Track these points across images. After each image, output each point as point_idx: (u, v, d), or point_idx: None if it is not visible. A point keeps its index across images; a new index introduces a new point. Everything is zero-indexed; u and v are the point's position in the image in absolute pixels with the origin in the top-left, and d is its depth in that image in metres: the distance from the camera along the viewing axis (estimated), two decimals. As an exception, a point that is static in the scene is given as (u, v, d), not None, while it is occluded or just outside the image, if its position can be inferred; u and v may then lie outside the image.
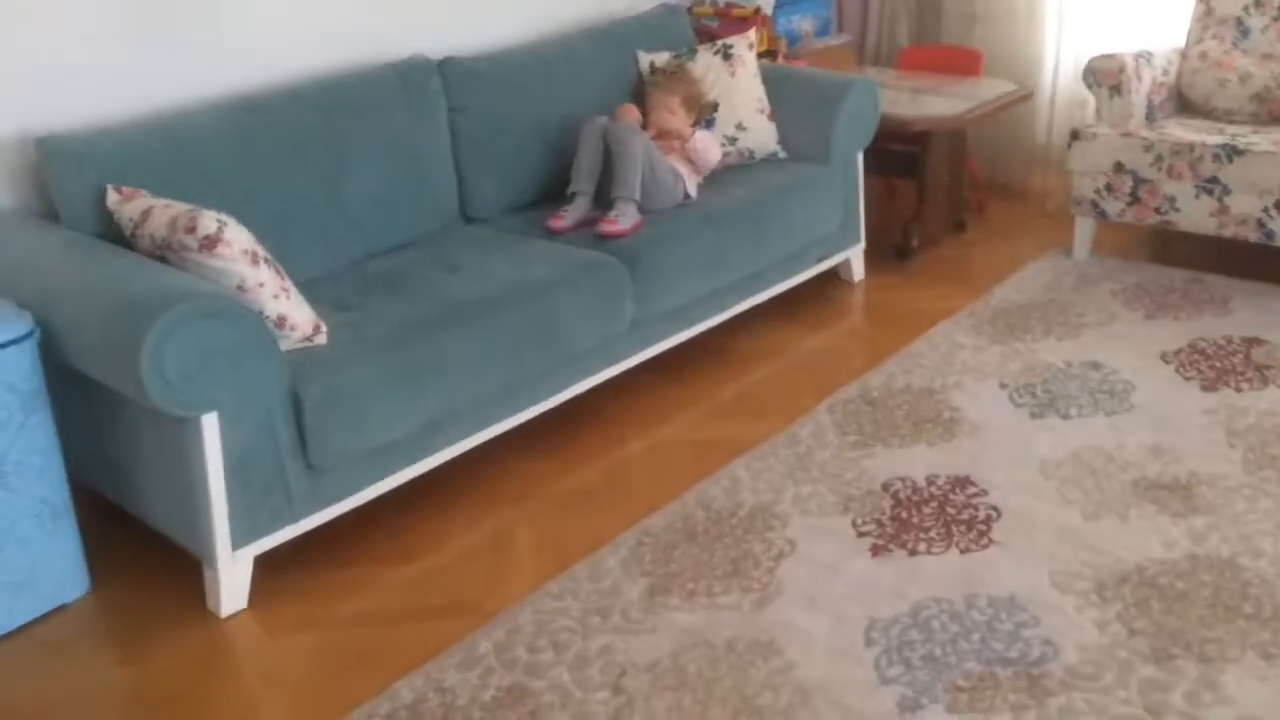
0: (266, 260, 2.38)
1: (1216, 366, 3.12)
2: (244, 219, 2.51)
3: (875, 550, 2.42)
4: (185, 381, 2.12)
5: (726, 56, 3.65)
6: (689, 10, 4.15)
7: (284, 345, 2.38)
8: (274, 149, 2.83)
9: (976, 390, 3.08)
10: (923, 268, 4.00)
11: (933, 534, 2.47)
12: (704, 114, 3.53)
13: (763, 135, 3.62)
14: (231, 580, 2.31)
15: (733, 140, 3.59)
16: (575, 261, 2.92)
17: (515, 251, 2.99)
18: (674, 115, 3.40)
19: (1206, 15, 3.95)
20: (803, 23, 4.39)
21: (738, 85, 3.62)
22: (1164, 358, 3.20)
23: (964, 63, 4.36)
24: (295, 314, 2.41)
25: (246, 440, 2.26)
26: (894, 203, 4.43)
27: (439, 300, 2.69)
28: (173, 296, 2.12)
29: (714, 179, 3.48)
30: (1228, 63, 3.81)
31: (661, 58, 3.67)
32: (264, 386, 2.26)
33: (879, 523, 2.52)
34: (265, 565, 2.38)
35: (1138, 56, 3.83)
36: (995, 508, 2.55)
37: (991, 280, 3.81)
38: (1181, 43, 4.03)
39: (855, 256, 3.85)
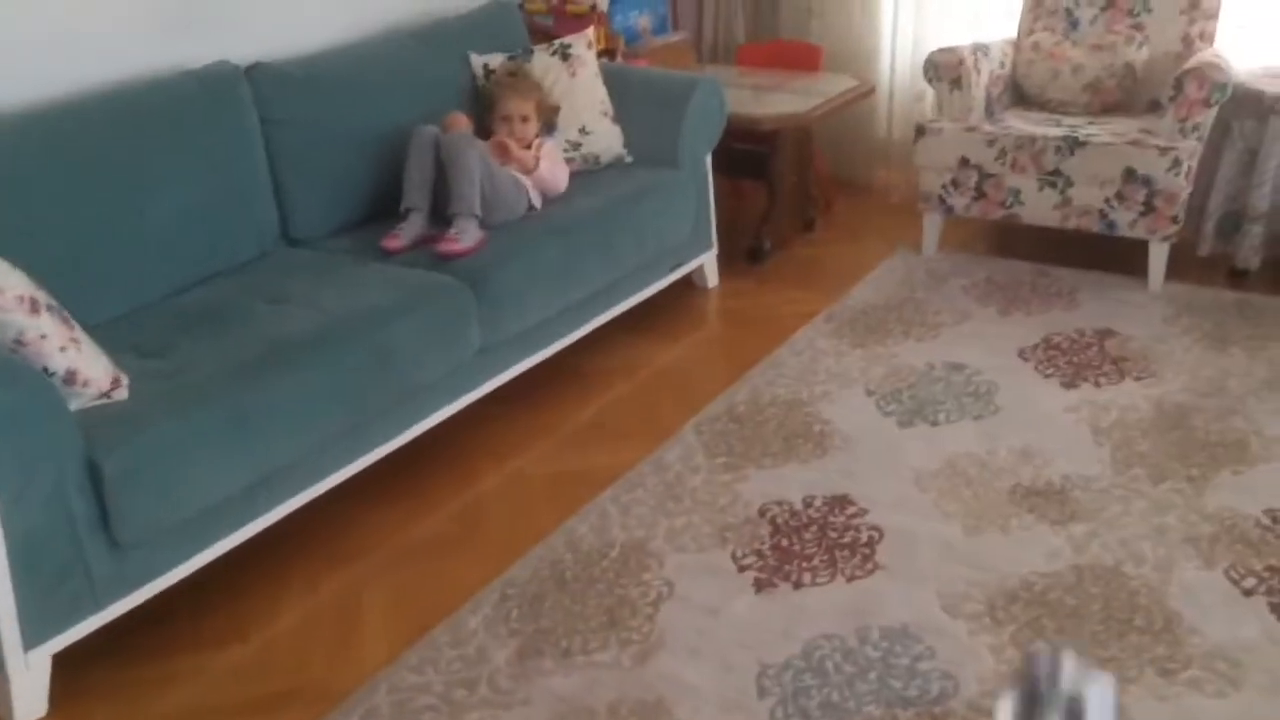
0: (50, 307, 2.04)
1: (1074, 361, 3.11)
2: (24, 257, 2.18)
3: (759, 585, 2.27)
4: (-51, 461, 1.78)
5: (565, 57, 3.44)
6: (520, 7, 3.91)
7: (76, 404, 2.05)
8: (57, 174, 2.46)
9: (844, 399, 2.98)
10: (776, 270, 3.90)
11: (816, 562, 2.33)
12: (549, 118, 3.32)
13: (608, 139, 3.43)
14: (26, 686, 1.97)
15: (576, 145, 3.38)
16: (414, 286, 2.66)
17: (347, 277, 2.71)
18: (529, 122, 3.18)
19: (1037, 6, 3.98)
20: (640, 19, 4.22)
21: (579, 87, 3.42)
22: (1022, 355, 3.17)
23: (803, 58, 4.27)
24: (88, 367, 2.08)
25: (33, 520, 1.92)
26: (742, 205, 4.32)
27: (261, 338, 2.39)
28: (-73, 360, 1.77)
29: (558, 187, 3.28)
30: (1060, 54, 3.84)
31: (495, 59, 3.43)
32: (50, 457, 1.92)
33: (759, 554, 2.37)
34: (68, 662, 2.04)
35: (975, 49, 3.81)
36: (876, 528, 2.43)
37: (846, 281, 3.73)
38: (1014, 34, 4.05)
39: (709, 262, 3.71)
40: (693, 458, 2.74)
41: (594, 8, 3.90)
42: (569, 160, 3.36)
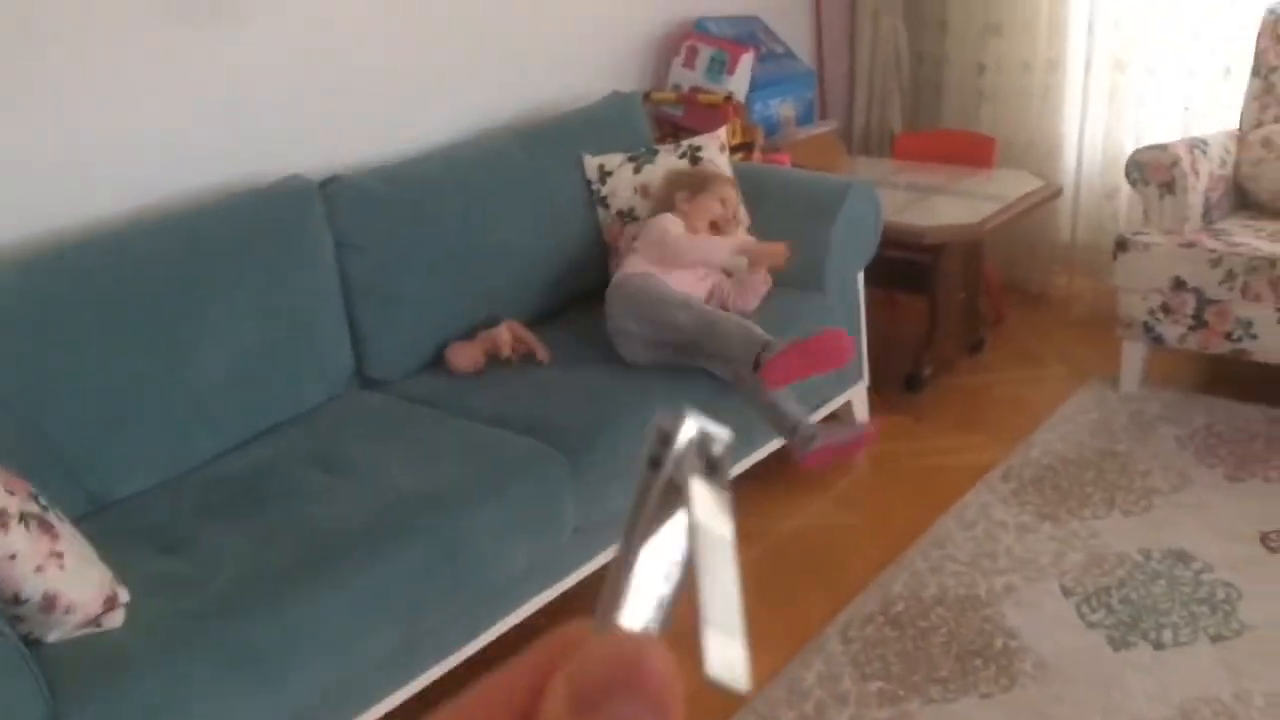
0: (25, 516, 1.62)
1: (1341, 558, 2.41)
2: (35, 422, 1.80)
3: None
4: None
5: (695, 160, 2.95)
6: (647, 97, 3.46)
7: (55, 634, 1.62)
8: (81, 320, 2.08)
9: (1033, 599, 2.35)
10: (939, 404, 3.28)
11: None
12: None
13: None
14: None
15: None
16: (498, 454, 2.17)
17: (421, 436, 2.25)
18: (734, 222, 2.80)
19: (1266, 93, 3.30)
20: (782, 107, 3.71)
21: (708, 194, 2.92)
22: (1267, 542, 2.48)
23: (973, 151, 3.68)
24: (73, 587, 1.65)
25: (-17, 800, 1.49)
26: (897, 320, 3.73)
27: (304, 530, 1.93)
28: None
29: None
30: (1297, 151, 3.14)
31: (614, 159, 2.96)
32: (4, 723, 1.49)
33: None
34: None
35: (1192, 146, 3.16)
36: (1091, 820, 1.80)
37: (1025, 422, 3.09)
38: (1234, 125, 3.37)
39: (857, 397, 3.13)
40: (839, 679, 2.16)
41: (729, 97, 3.41)
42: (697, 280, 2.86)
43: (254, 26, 2.49)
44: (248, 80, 2.50)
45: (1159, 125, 3.60)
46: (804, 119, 3.80)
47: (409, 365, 2.55)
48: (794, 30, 4.00)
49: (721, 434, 0.35)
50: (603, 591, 0.34)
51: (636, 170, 2.91)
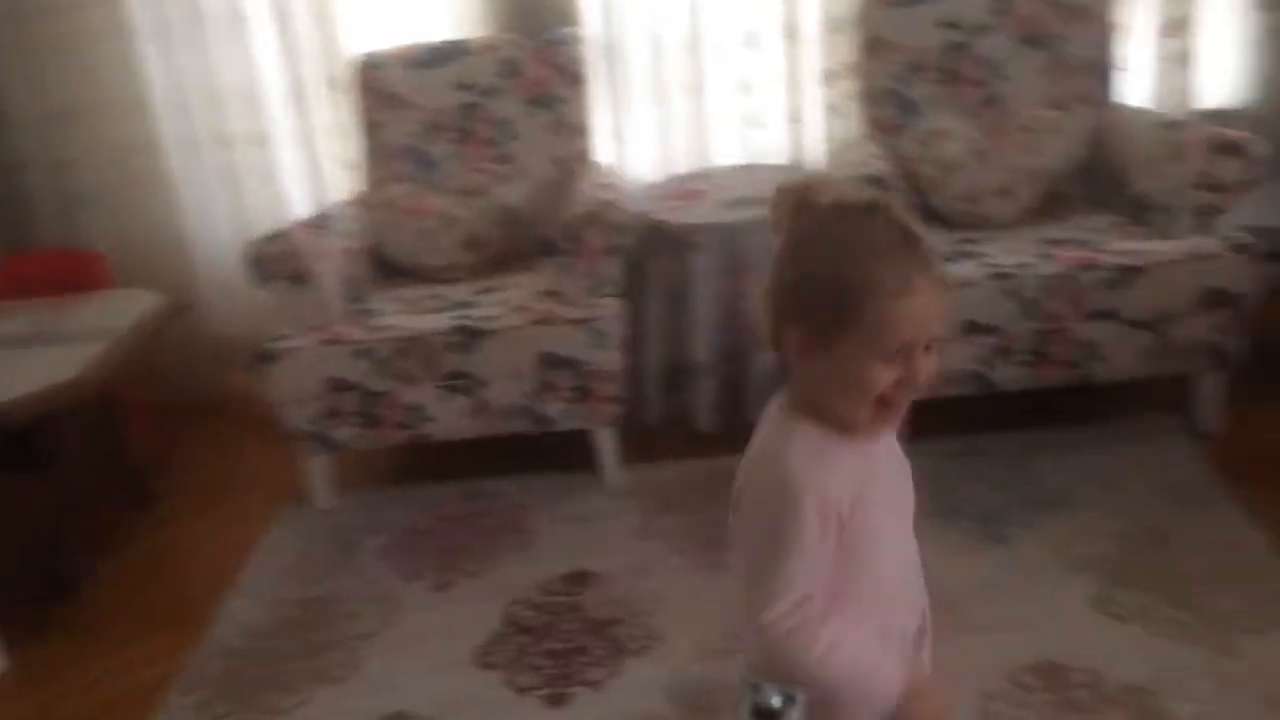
0: None
1: (554, 650, 2.19)
2: None
3: None
4: None
5: None
6: None
7: None
8: None
9: None
10: (108, 603, 2.55)
11: None
12: None
13: None
14: None
15: None
16: None
17: None
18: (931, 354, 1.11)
19: (379, 149, 3.08)
20: None
21: None
22: (484, 659, 2.19)
23: (79, 273, 2.96)
24: None
25: None
26: (14, 512, 2.83)
27: None
28: None
29: None
30: (422, 207, 2.96)
31: None
32: None
33: None
34: None
35: (312, 225, 2.82)
36: None
37: (216, 586, 2.52)
38: (362, 189, 3.12)
39: (-26, 643, 2.30)
40: None
41: None
42: None
43: None
44: None
45: (289, 201, 3.25)
46: None
47: None
48: None
49: (780, 691, 0.44)
50: None
51: None
